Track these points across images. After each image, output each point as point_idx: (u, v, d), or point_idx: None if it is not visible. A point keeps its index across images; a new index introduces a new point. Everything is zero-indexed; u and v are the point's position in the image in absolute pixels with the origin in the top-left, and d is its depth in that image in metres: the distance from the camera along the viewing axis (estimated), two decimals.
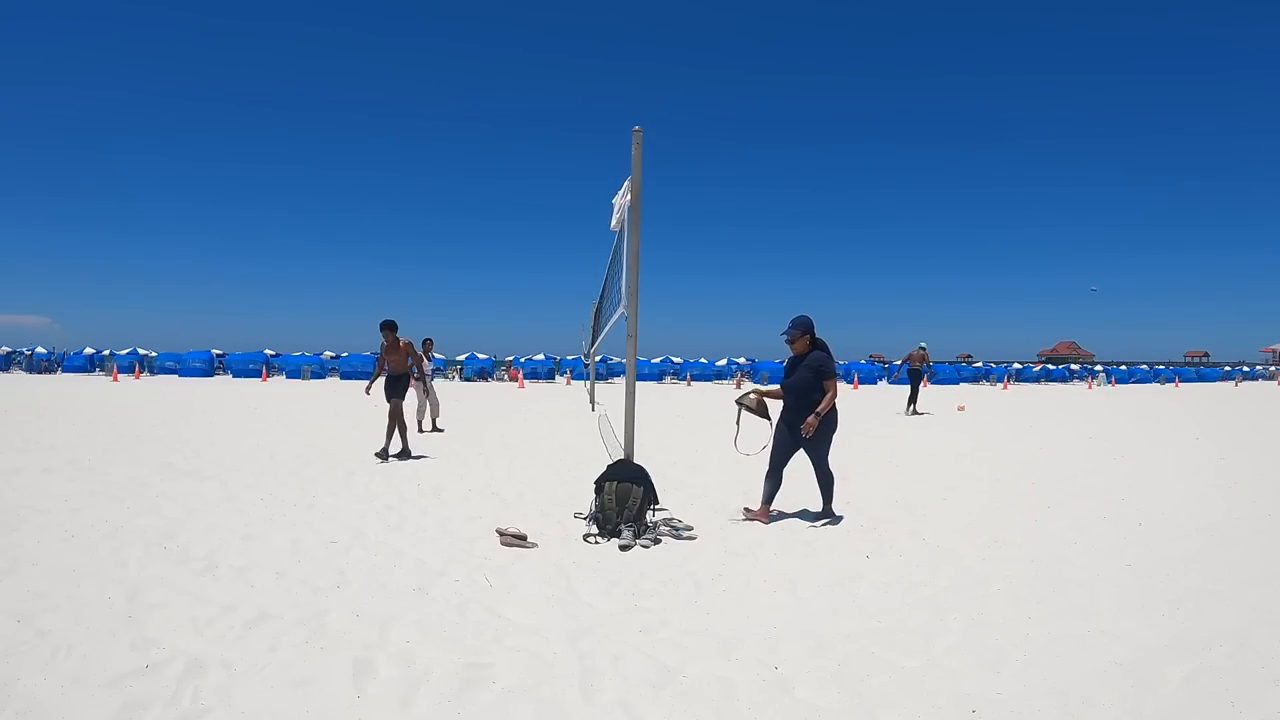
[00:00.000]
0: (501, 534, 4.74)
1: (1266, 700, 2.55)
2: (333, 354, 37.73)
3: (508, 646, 3.02)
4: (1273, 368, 58.00)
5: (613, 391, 23.26)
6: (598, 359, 23.85)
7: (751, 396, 5.66)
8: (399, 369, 8.38)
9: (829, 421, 5.29)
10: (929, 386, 28.10)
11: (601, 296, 11.67)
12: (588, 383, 18.94)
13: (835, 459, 8.08)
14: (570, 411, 15.91)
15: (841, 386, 30.33)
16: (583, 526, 5.14)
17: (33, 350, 36.03)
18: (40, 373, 33.94)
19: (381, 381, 8.51)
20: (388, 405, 8.28)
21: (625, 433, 5.57)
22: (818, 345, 5.39)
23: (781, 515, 5.54)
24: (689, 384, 32.55)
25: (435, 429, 11.39)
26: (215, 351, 34.66)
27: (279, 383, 28.53)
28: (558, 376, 34.42)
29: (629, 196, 5.42)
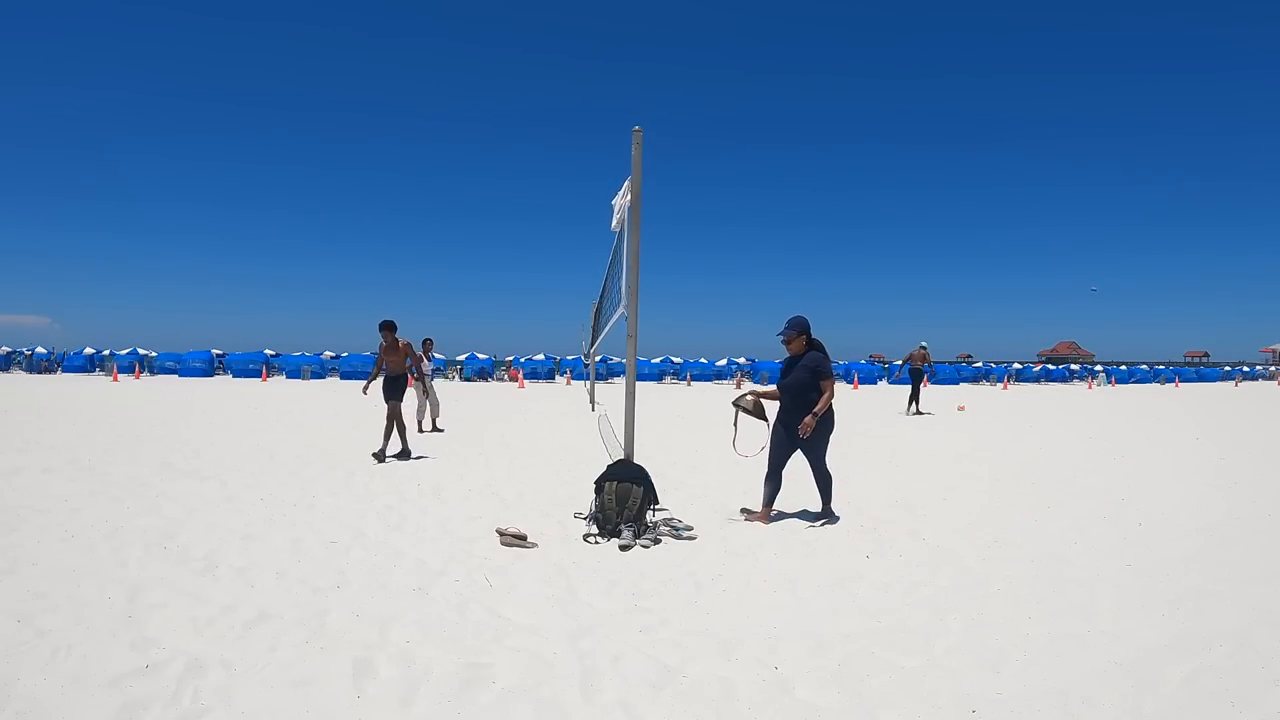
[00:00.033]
0: (501, 534, 4.74)
1: (1266, 700, 2.55)
2: (333, 354, 37.72)
3: (508, 646, 3.02)
4: (1273, 368, 57.99)
5: (613, 391, 23.26)
6: (598, 359, 23.85)
7: (748, 398, 5.65)
8: (397, 370, 8.36)
9: (826, 422, 5.29)
10: (929, 386, 28.09)
11: (601, 296, 11.67)
12: (588, 383, 18.94)
13: (835, 459, 8.08)
14: (570, 411, 15.91)
15: (842, 386, 30.35)
16: (583, 526, 5.14)
17: (33, 350, 36.03)
18: (40, 373, 33.94)
19: (379, 382, 8.50)
20: (386, 406, 8.28)
21: (625, 433, 5.57)
22: (814, 346, 5.38)
23: (781, 515, 5.54)
24: (689, 384, 32.55)
25: (435, 429, 11.39)
26: (215, 351, 34.66)
27: (279, 383, 28.53)
28: (558, 376, 34.42)
29: (629, 197, 5.42)
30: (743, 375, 34.64)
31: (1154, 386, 38.04)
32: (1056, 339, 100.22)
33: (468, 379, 33.08)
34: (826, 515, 5.45)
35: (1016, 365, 44.15)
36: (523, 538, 4.70)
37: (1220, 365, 61.38)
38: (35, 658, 2.81)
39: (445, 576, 3.97)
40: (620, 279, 6.06)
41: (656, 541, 4.76)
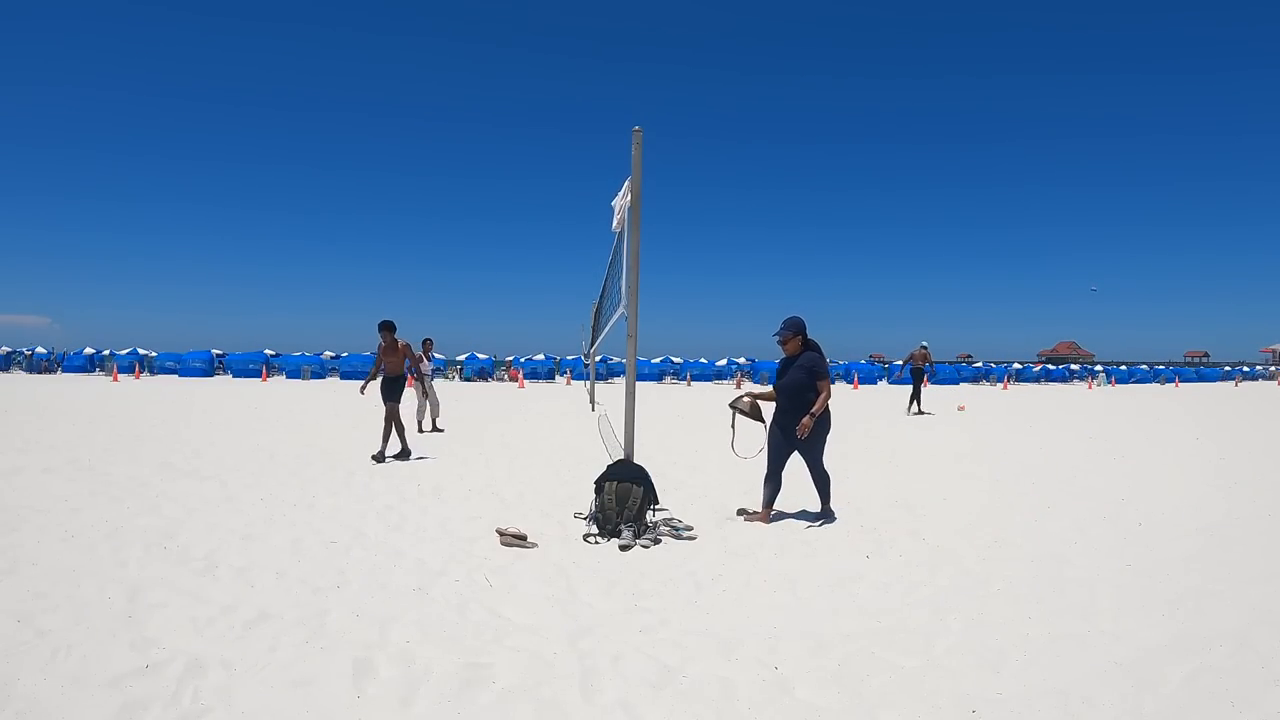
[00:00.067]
0: (501, 534, 4.74)
1: (1266, 700, 2.55)
2: (333, 354, 37.72)
3: (508, 646, 3.02)
4: (1273, 368, 58.00)
5: (613, 391, 23.26)
6: (598, 359, 23.85)
7: (745, 400, 5.64)
8: (395, 371, 8.34)
9: (823, 422, 5.29)
10: (928, 386, 28.10)
11: (601, 296, 11.67)
12: (588, 383, 18.94)
13: (835, 459, 8.08)
14: (570, 411, 15.91)
15: (842, 386, 30.36)
16: (583, 526, 5.14)
17: (33, 350, 36.04)
18: (40, 373, 33.94)
19: (377, 383, 8.46)
20: (384, 408, 8.25)
21: (625, 433, 5.57)
22: (810, 346, 5.38)
23: (781, 515, 5.54)
24: (689, 384, 32.55)
25: (435, 429, 11.39)
26: (215, 351, 34.67)
27: (279, 383, 28.53)
28: (558, 376, 34.42)
29: (629, 197, 5.42)
30: (743, 375, 34.65)
31: (1154, 386, 38.05)
32: (1056, 339, 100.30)
33: (468, 379, 33.08)
34: (825, 515, 5.45)
35: (1016, 365, 44.16)
36: (523, 538, 4.70)
37: (1220, 365, 61.39)
38: (35, 658, 2.81)
39: (445, 576, 3.97)
40: (620, 279, 6.06)
41: (656, 541, 4.76)
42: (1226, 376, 47.88)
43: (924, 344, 16.21)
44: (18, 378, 29.56)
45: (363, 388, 8.68)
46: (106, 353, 36.11)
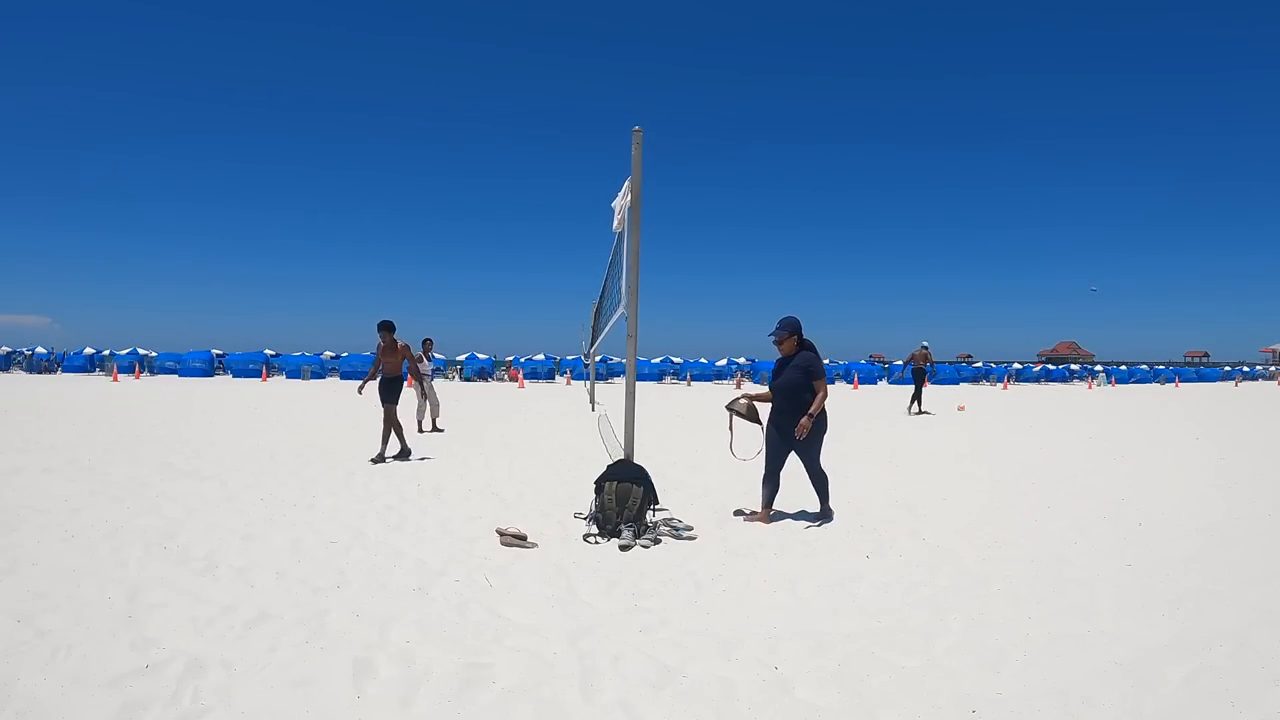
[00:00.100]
0: (501, 534, 4.74)
1: (1266, 700, 2.55)
2: (333, 354, 37.73)
3: (508, 646, 3.02)
4: (1273, 368, 58.00)
5: (613, 391, 23.26)
6: (598, 359, 23.86)
7: (741, 402, 5.63)
8: (393, 371, 8.29)
9: (819, 422, 5.28)
10: (928, 386, 28.10)
11: (601, 296, 11.67)
12: (588, 383, 18.94)
13: (836, 458, 8.08)
14: (570, 411, 15.91)
15: (842, 386, 30.36)
16: (583, 526, 5.14)
17: (33, 350, 36.05)
18: (40, 373, 33.94)
19: (375, 384, 8.40)
20: (381, 410, 8.19)
21: (625, 433, 5.57)
22: (805, 346, 5.38)
23: (781, 515, 5.54)
24: (689, 384, 32.55)
25: (435, 429, 11.39)
26: (215, 351, 34.67)
27: (279, 383, 28.53)
28: (558, 376, 34.42)
29: (629, 197, 5.42)
30: (743, 375, 34.64)
31: (1154, 386, 38.05)
32: (1056, 339, 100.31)
33: (468, 379, 33.08)
34: (824, 514, 5.45)
35: (1016, 365, 44.16)
36: (523, 538, 4.70)
37: (1220, 365, 61.39)
38: (35, 658, 2.81)
39: (445, 576, 3.97)
40: (620, 279, 6.06)
41: (656, 541, 4.76)
42: (1226, 376, 47.88)
43: (925, 344, 16.22)
44: (18, 378, 29.56)
45: (360, 387, 8.65)
46: (106, 353, 36.11)
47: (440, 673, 2.75)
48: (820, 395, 5.22)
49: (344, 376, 32.10)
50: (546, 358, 35.88)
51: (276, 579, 3.86)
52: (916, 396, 16.03)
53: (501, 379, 33.70)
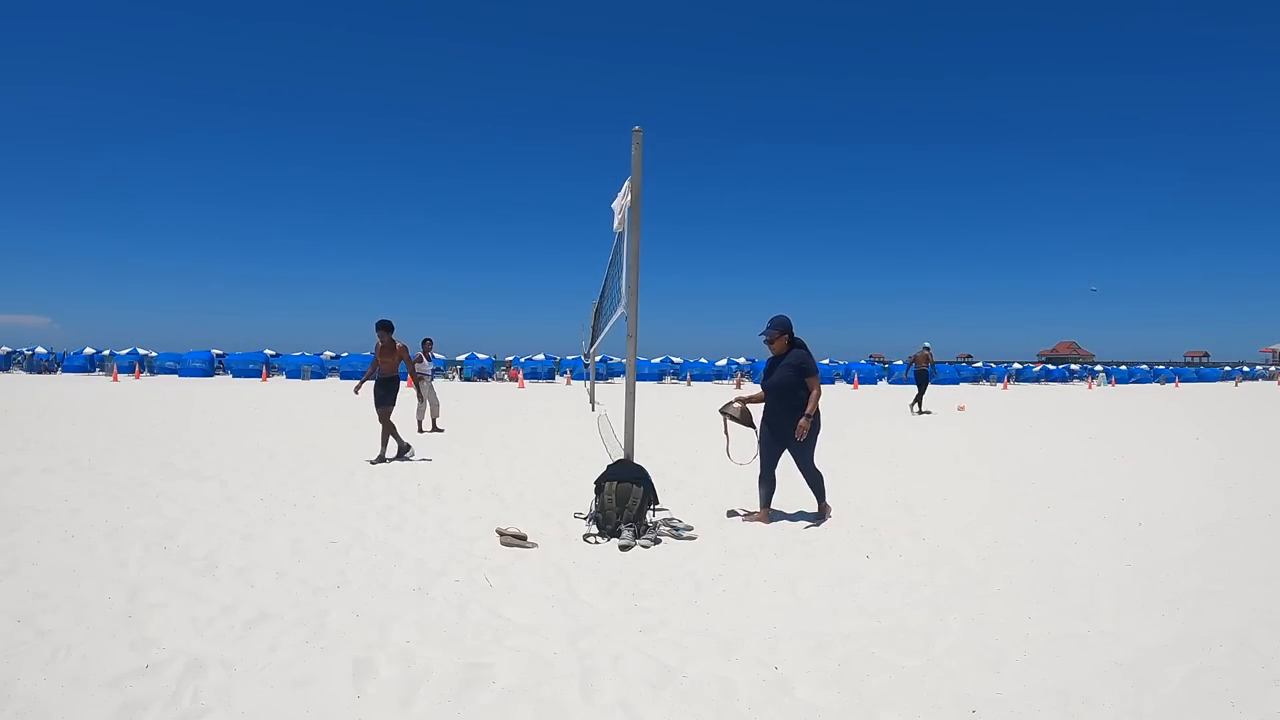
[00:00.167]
0: (501, 534, 4.74)
1: (1266, 700, 2.55)
2: (333, 354, 37.75)
3: (508, 646, 3.02)
4: (1273, 368, 58.01)
5: (613, 391, 23.26)
6: (598, 359, 23.85)
7: (735, 405, 5.62)
8: (390, 372, 8.21)
9: (814, 421, 5.27)
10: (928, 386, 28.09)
11: (601, 296, 11.67)
12: (588, 383, 18.94)
13: (835, 459, 8.08)
14: (570, 411, 15.91)
15: (842, 386, 30.36)
16: (583, 526, 5.14)
17: (33, 350, 36.08)
18: (40, 373, 33.95)
19: (372, 385, 8.28)
20: (377, 412, 8.11)
21: (625, 433, 5.57)
22: (796, 344, 5.39)
23: (780, 515, 5.54)
24: (689, 384, 32.56)
25: (435, 429, 11.39)
26: (215, 351, 34.69)
27: (279, 383, 28.54)
28: (558, 376, 34.43)
29: (629, 197, 5.42)
30: (743, 375, 34.65)
31: (1154, 386, 38.05)
32: (1056, 339, 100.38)
33: (468, 379, 33.09)
34: (823, 513, 5.45)
35: (1016, 365, 44.19)
36: (523, 538, 4.70)
37: (1220, 365, 61.40)
38: (35, 658, 2.81)
39: (445, 576, 3.97)
40: (620, 279, 6.07)
41: (656, 541, 4.76)
42: (1226, 376, 47.90)
43: (926, 345, 16.25)
44: (18, 378, 29.57)
45: (357, 388, 8.60)
46: (106, 353, 36.13)
47: (440, 673, 2.75)
48: (814, 393, 5.21)
49: (344, 376, 32.11)
50: (546, 358, 35.90)
51: (276, 579, 3.86)
52: (919, 397, 16.06)
53: (501, 379, 33.71)
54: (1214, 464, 8.44)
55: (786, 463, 5.47)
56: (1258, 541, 4.79)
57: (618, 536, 4.81)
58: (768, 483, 5.42)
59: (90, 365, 35.22)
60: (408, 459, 8.22)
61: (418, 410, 11.28)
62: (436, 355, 14.40)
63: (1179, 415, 16.62)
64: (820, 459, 5.49)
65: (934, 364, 16.53)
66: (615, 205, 6.07)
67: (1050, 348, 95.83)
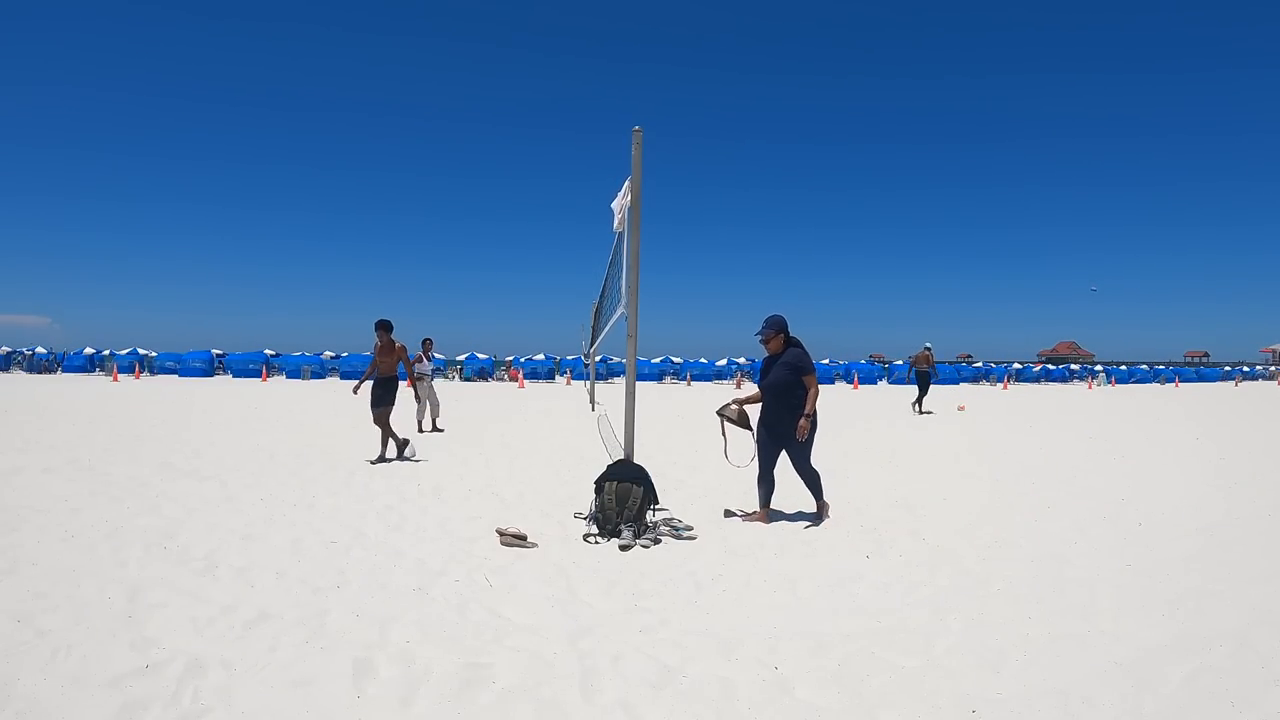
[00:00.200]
0: (501, 534, 4.74)
1: (1266, 700, 2.55)
2: (333, 354, 37.76)
3: (508, 646, 3.02)
4: (1273, 368, 58.01)
5: (613, 391, 23.26)
6: (598, 359, 23.86)
7: (732, 407, 5.61)
8: (389, 372, 8.18)
9: (811, 420, 5.27)
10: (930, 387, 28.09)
11: (601, 296, 11.67)
12: (588, 383, 18.94)
13: (835, 458, 8.07)
14: (570, 411, 15.91)
15: (842, 386, 30.37)
16: (583, 526, 5.14)
17: (33, 350, 36.08)
18: (40, 373, 33.95)
19: (369, 385, 8.24)
20: (373, 412, 8.06)
21: (625, 433, 5.57)
22: (792, 343, 5.39)
23: (780, 515, 5.54)
24: (689, 384, 32.56)
25: (435, 429, 11.39)
26: (215, 351, 34.70)
27: (279, 383, 28.54)
28: (558, 376, 34.43)
29: (629, 197, 5.42)
30: (743, 375, 34.66)
31: (1154, 386, 38.05)
32: (1056, 339, 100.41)
33: (468, 379, 33.09)
34: (821, 512, 5.44)
35: (1016, 365, 44.21)
36: (523, 538, 4.70)
37: (1220, 365, 61.42)
38: (35, 658, 2.81)
39: (445, 576, 3.97)
40: (620, 279, 6.07)
41: (656, 541, 4.76)
42: (1226, 376, 47.91)
43: (928, 345, 16.28)
44: (18, 378, 29.57)
45: (356, 387, 8.59)
46: (106, 353, 36.14)
47: (440, 673, 2.75)
48: (812, 392, 5.21)
49: (344, 376, 32.13)
50: (546, 358, 35.91)
51: (276, 579, 3.86)
52: (920, 397, 16.08)
53: (501, 379, 33.71)
54: (1214, 464, 8.44)
55: (785, 462, 5.47)
56: (1258, 541, 4.79)
57: (618, 536, 4.81)
58: (766, 483, 5.42)
59: (90, 365, 35.23)
60: (408, 458, 8.21)
61: (417, 411, 11.28)
62: (436, 355, 14.41)
63: (1179, 415, 16.62)
64: (820, 459, 5.49)
65: (934, 364, 16.55)
66: (615, 205, 6.07)
67: (1050, 348, 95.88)
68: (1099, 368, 47.79)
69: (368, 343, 8.48)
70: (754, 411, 5.58)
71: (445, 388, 24.54)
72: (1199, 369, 53.92)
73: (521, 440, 10.37)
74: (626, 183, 5.46)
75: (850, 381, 33.61)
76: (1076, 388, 35.49)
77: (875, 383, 35.79)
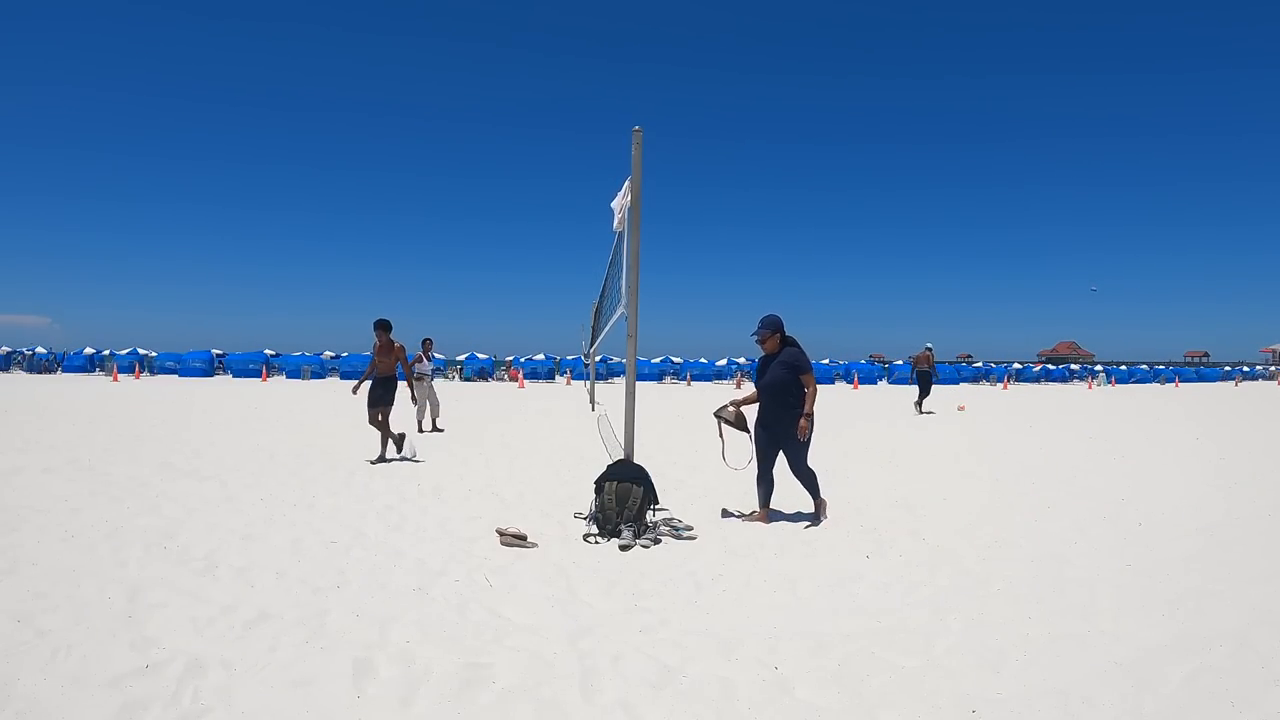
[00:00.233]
0: (501, 534, 4.74)
1: (1266, 700, 2.55)
2: (333, 354, 37.77)
3: (508, 646, 3.02)
4: (1273, 368, 58.02)
5: (613, 391, 23.26)
6: (598, 359, 23.86)
7: (729, 409, 5.61)
8: (388, 372, 8.17)
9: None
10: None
11: (601, 296, 11.68)
12: (588, 383, 18.94)
13: (835, 458, 8.07)
14: (570, 411, 15.92)
15: (842, 386, 30.38)
16: (583, 526, 5.14)
17: (33, 350, 36.10)
18: (40, 373, 33.95)
19: (368, 385, 8.22)
20: (369, 412, 8.03)
21: (625, 433, 5.57)
22: (788, 342, 5.39)
23: (780, 515, 5.54)
24: (689, 384, 32.56)
25: (435, 429, 11.39)
26: (215, 351, 34.72)
27: (279, 383, 28.54)
28: (558, 376, 34.44)
29: (629, 197, 5.42)
30: (743, 375, 34.66)
31: (1154, 386, 38.06)
32: (1056, 339, 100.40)
33: (468, 379, 33.10)
34: (820, 511, 5.44)
35: (1016, 365, 44.23)
36: (523, 538, 4.70)
37: (1220, 365, 61.44)
38: (35, 658, 2.81)
39: (445, 576, 3.97)
40: (620, 279, 6.07)
41: (656, 541, 4.76)
42: (1226, 376, 47.92)
43: (929, 346, 16.29)
44: (18, 378, 29.57)
45: (355, 388, 8.58)
46: (106, 353, 36.15)
47: (440, 673, 2.75)
48: (811, 391, 5.21)
49: (344, 376, 32.15)
50: (546, 358, 35.93)
51: (276, 579, 3.86)
52: (921, 398, 16.09)
53: (501, 379, 33.72)
54: (1214, 464, 8.44)
55: (785, 462, 5.47)
56: (1258, 541, 4.79)
57: (618, 536, 4.81)
58: (765, 483, 5.42)
59: (90, 365, 35.24)
60: (408, 456, 8.20)
61: (417, 411, 11.29)
62: (436, 355, 14.41)
63: (1179, 415, 16.62)
64: (820, 459, 5.49)
65: (934, 364, 16.56)
66: (615, 205, 6.07)
67: (1050, 348, 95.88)
68: (1099, 368, 47.81)
69: (367, 343, 8.48)
70: (750, 412, 5.58)
71: (445, 388, 24.54)
72: (1199, 369, 53.95)
73: (521, 440, 10.37)
74: (626, 182, 5.46)
75: (850, 381, 33.61)
76: (1076, 388, 35.49)
77: (875, 383, 35.79)
